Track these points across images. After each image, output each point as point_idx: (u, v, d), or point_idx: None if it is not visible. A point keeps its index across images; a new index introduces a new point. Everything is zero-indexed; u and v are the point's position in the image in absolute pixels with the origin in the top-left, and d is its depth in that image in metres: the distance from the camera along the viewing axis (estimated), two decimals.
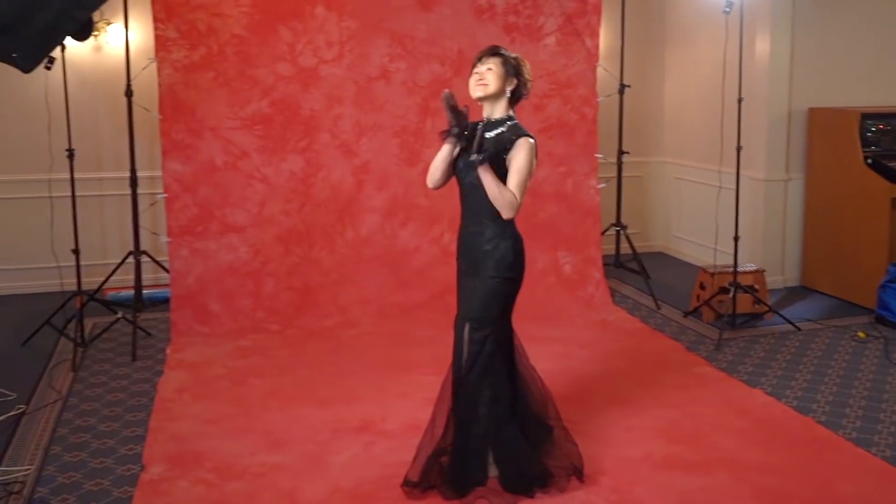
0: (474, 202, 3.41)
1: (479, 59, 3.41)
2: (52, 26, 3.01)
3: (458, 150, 3.38)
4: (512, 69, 3.39)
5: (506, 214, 3.31)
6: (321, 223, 5.84)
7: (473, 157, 3.21)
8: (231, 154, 5.65)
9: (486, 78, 3.36)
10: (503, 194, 3.28)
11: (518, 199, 3.30)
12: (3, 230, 6.40)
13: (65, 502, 3.40)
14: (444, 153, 3.41)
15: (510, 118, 3.43)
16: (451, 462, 3.44)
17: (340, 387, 4.60)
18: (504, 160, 3.34)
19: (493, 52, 3.41)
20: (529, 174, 3.35)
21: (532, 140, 3.37)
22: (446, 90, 3.27)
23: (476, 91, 3.38)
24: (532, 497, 3.40)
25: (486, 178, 3.26)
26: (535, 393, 3.67)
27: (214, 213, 5.64)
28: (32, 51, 2.97)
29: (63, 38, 3.59)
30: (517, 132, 3.37)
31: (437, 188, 3.53)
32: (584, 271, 6.25)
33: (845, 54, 6.46)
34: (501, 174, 3.32)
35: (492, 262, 3.40)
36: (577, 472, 3.52)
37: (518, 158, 3.33)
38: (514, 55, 3.45)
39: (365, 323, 5.68)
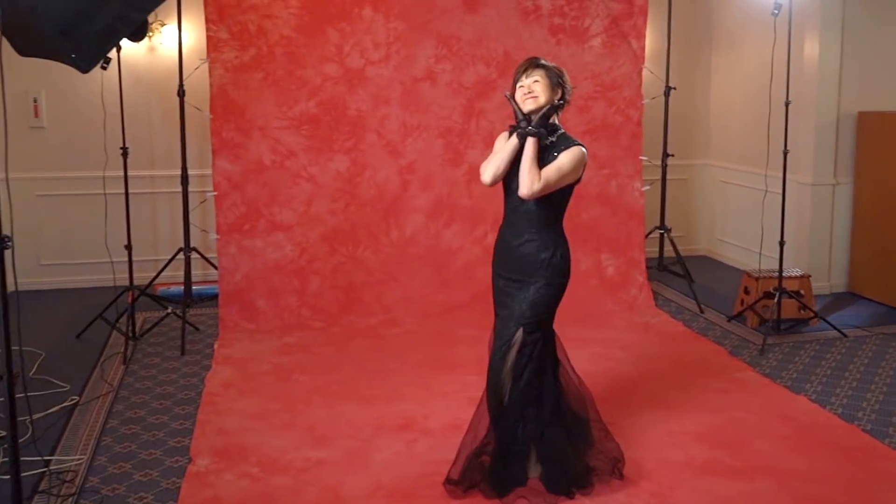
0: (527, 212, 3.45)
1: (524, 72, 3.44)
2: (108, 28, 3.10)
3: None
4: (556, 79, 3.43)
5: (521, 190, 3.34)
6: (366, 222, 5.92)
7: (528, 128, 3.32)
8: (279, 153, 5.74)
9: (535, 90, 3.40)
10: (532, 171, 3.32)
11: (540, 185, 3.32)
12: (60, 226, 6.59)
13: (115, 492, 3.50)
14: (513, 147, 3.41)
15: (558, 127, 3.47)
16: (493, 461, 3.47)
17: (383, 385, 4.66)
18: (551, 158, 3.39)
19: (536, 63, 3.44)
20: (564, 176, 3.38)
21: (584, 150, 3.42)
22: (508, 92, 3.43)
23: (528, 104, 3.41)
24: (571, 498, 3.42)
25: (529, 149, 3.34)
26: (574, 392, 3.70)
27: (262, 211, 5.74)
28: (90, 52, 3.06)
29: (119, 40, 3.69)
30: (568, 142, 3.43)
31: (493, 184, 3.49)
32: (627, 274, 6.24)
33: None
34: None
35: (549, 270, 3.45)
36: (618, 471, 3.54)
37: (564, 158, 3.37)
38: (554, 65, 3.48)
39: (408, 322, 5.74)
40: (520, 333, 3.44)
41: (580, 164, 3.40)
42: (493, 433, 3.48)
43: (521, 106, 3.42)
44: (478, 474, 3.47)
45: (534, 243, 3.46)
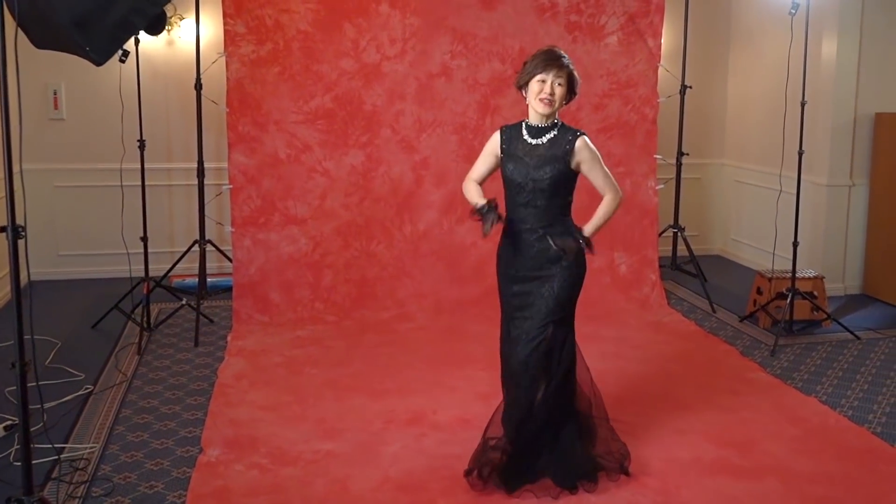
0: (541, 205, 3.46)
1: (545, 69, 3.38)
2: (123, 21, 3.13)
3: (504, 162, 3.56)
4: (573, 82, 3.45)
5: (618, 204, 3.57)
6: (380, 217, 5.94)
7: (581, 242, 3.48)
8: (294, 147, 5.78)
9: (555, 95, 3.40)
10: (611, 207, 3.55)
11: (617, 188, 3.56)
12: (77, 217, 6.66)
13: (126, 480, 3.55)
14: (469, 200, 3.55)
15: (557, 120, 3.51)
16: (509, 458, 3.48)
17: (394, 379, 4.69)
18: (567, 163, 3.44)
19: (562, 64, 3.39)
20: (601, 160, 3.54)
21: (587, 137, 3.49)
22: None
23: (543, 108, 3.41)
24: (575, 492, 3.44)
25: (597, 230, 3.54)
26: (588, 389, 3.71)
27: (277, 204, 5.78)
28: (104, 45, 3.08)
29: (134, 33, 3.73)
30: (568, 132, 3.48)
31: None
32: (639, 272, 6.24)
33: None
34: (565, 177, 3.47)
35: (570, 260, 3.50)
36: (624, 469, 3.56)
37: (588, 159, 3.48)
38: (572, 63, 3.47)
39: (420, 317, 5.77)
40: (550, 331, 3.45)
41: (595, 148, 3.52)
42: (515, 430, 3.48)
43: (536, 107, 3.42)
44: (487, 467, 3.49)
45: (552, 236, 3.49)
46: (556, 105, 3.42)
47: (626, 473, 3.56)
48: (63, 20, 3.00)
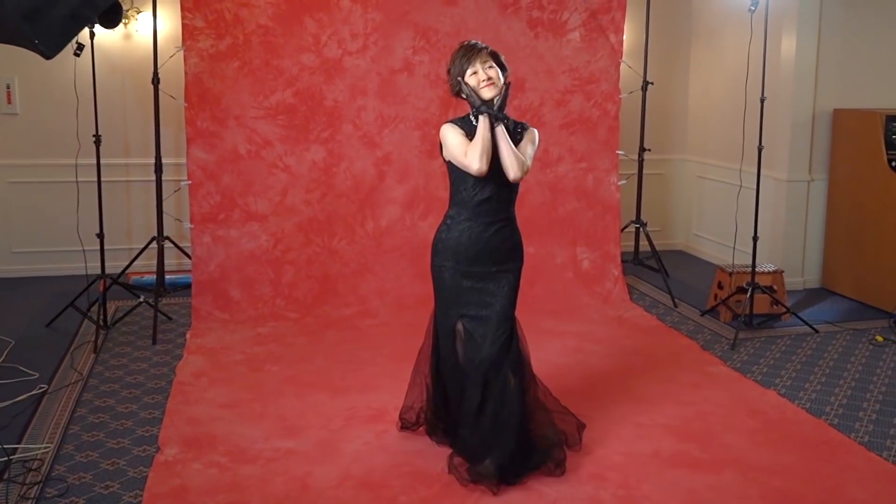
0: (504, 198, 3.51)
1: (470, 61, 3.43)
2: (73, 13, 3.06)
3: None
4: (502, 62, 3.52)
5: (514, 173, 3.39)
6: (342, 213, 5.90)
7: (498, 113, 3.37)
8: (254, 143, 5.71)
9: (493, 77, 3.43)
10: (517, 155, 3.41)
11: (529, 164, 3.46)
12: (31, 213, 6.54)
13: (81, 480, 3.48)
14: (488, 128, 3.39)
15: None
16: (462, 451, 3.52)
17: (356, 375, 4.66)
18: (518, 138, 3.54)
19: (480, 48, 3.47)
20: (533, 156, 3.57)
21: (536, 131, 3.60)
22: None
23: (490, 92, 3.43)
24: (522, 482, 3.45)
25: (505, 134, 3.39)
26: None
27: (237, 201, 5.71)
28: (54, 38, 3.01)
29: (85, 26, 3.65)
30: (521, 123, 3.59)
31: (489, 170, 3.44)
32: (602, 267, 6.27)
33: (872, 55, 6.40)
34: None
35: (520, 251, 3.59)
36: (560, 469, 3.54)
37: (529, 138, 3.55)
38: (490, 47, 3.54)
39: (383, 313, 5.73)
40: (511, 326, 3.50)
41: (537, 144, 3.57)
42: (473, 433, 3.51)
43: (482, 93, 3.42)
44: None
45: (505, 229, 3.53)
46: (500, 83, 3.44)
47: (577, 448, 3.70)
48: (11, 12, 2.93)
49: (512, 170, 3.38)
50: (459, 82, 3.46)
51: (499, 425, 3.45)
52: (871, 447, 3.90)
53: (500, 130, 3.40)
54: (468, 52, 3.47)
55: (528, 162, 3.46)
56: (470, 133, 3.45)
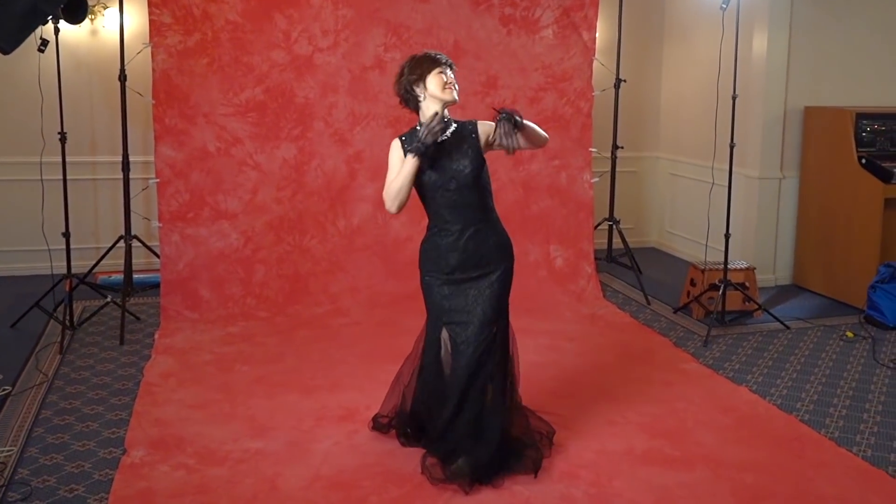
0: (474, 201, 3.47)
1: (435, 63, 3.43)
2: (32, 8, 3.00)
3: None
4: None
5: (544, 143, 3.56)
6: (313, 211, 5.84)
7: (514, 116, 3.35)
8: (224, 140, 5.64)
9: (456, 83, 3.46)
10: (540, 132, 3.49)
11: (545, 135, 3.54)
12: None
13: (45, 483, 3.41)
14: (411, 172, 3.37)
15: (447, 117, 3.50)
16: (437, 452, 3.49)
17: (327, 375, 4.61)
18: (479, 149, 3.49)
19: (445, 57, 3.49)
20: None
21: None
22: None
23: (453, 95, 3.44)
24: (494, 483, 3.42)
25: (525, 121, 3.41)
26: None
27: (206, 199, 5.64)
28: (12, 33, 2.95)
29: (42, 21, 3.58)
30: (466, 122, 3.55)
31: (399, 211, 3.48)
32: (575, 265, 6.26)
33: (842, 54, 6.44)
34: (482, 164, 3.49)
35: (506, 250, 3.54)
36: (535, 468, 3.52)
37: (489, 127, 3.50)
38: None
39: (355, 312, 5.68)
40: (494, 333, 3.46)
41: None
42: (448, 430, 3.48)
43: (445, 96, 3.41)
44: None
45: (482, 232, 3.49)
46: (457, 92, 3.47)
47: (549, 446, 3.67)
48: None
49: (544, 142, 3.54)
50: (412, 89, 3.44)
51: (477, 429, 3.43)
52: (841, 442, 3.92)
53: (413, 162, 3.36)
54: (434, 56, 3.46)
55: (543, 133, 3.51)
56: (412, 148, 3.40)
